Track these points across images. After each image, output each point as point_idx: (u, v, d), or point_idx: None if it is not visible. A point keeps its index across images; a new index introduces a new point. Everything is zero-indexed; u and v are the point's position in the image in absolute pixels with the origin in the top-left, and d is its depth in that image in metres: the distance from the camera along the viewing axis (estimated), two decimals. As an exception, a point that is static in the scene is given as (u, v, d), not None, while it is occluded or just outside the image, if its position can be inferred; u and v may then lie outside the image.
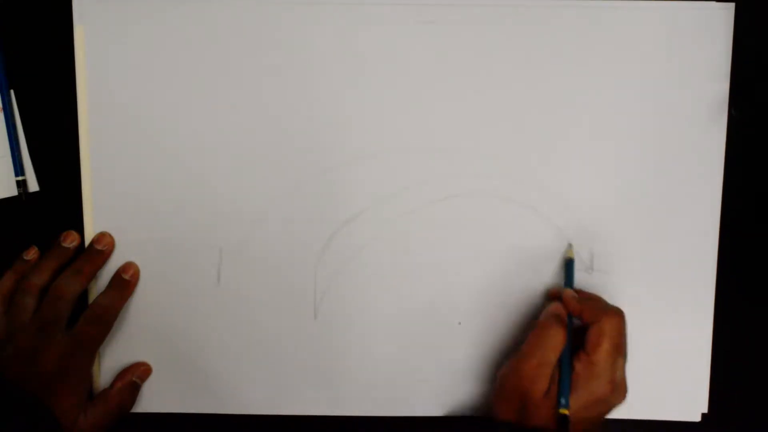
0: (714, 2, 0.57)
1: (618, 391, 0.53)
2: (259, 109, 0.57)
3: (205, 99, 0.57)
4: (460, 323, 0.59)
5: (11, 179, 0.58)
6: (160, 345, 0.59)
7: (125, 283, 0.58)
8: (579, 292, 0.57)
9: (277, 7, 0.57)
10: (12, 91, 0.58)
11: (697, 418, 0.60)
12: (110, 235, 0.58)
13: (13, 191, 0.58)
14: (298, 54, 0.57)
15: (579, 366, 0.52)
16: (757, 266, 0.60)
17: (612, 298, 0.58)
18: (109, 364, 0.59)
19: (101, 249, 0.57)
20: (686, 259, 0.59)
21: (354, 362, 0.59)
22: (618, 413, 0.59)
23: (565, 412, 0.51)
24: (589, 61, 0.57)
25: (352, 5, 0.57)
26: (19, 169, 0.58)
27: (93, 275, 0.57)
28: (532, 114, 0.58)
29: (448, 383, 0.60)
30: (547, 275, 0.59)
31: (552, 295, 0.58)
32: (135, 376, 0.58)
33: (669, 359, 0.60)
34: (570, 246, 0.58)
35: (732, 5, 0.57)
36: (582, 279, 0.59)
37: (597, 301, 0.56)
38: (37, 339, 0.54)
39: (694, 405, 0.60)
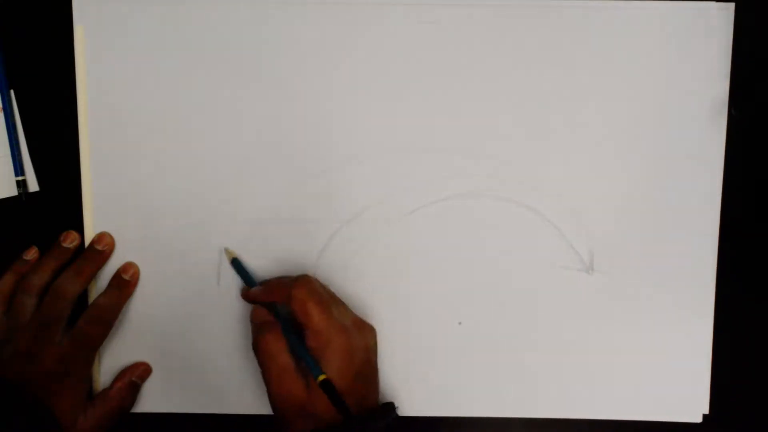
0: (714, 2, 0.57)
1: (356, 332, 0.53)
2: (259, 109, 0.57)
3: (205, 99, 0.57)
4: (460, 323, 0.59)
5: (11, 179, 0.58)
6: (160, 345, 0.59)
7: (125, 283, 0.58)
8: (264, 283, 0.56)
9: (277, 8, 0.57)
10: (12, 91, 0.58)
11: (699, 419, 0.60)
12: (110, 235, 0.58)
13: (13, 191, 0.58)
14: (298, 54, 0.57)
15: (309, 342, 0.51)
16: (757, 266, 0.60)
17: (612, 298, 0.59)
18: (109, 364, 0.59)
19: (101, 249, 0.57)
20: (686, 259, 0.59)
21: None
22: (619, 414, 0.59)
23: (322, 377, 0.50)
24: (589, 61, 0.57)
25: (352, 5, 0.57)
26: (19, 169, 0.58)
27: (93, 275, 0.58)
28: (532, 114, 0.58)
29: (448, 383, 0.59)
30: (548, 275, 0.59)
31: (246, 299, 0.57)
32: (135, 376, 0.58)
33: (670, 360, 0.60)
34: (225, 249, 0.58)
35: (732, 5, 0.57)
36: (582, 279, 0.59)
37: (278, 281, 0.55)
38: (37, 339, 0.54)
39: (695, 406, 0.60)
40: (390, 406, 0.54)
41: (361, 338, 0.53)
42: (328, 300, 0.53)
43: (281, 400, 0.52)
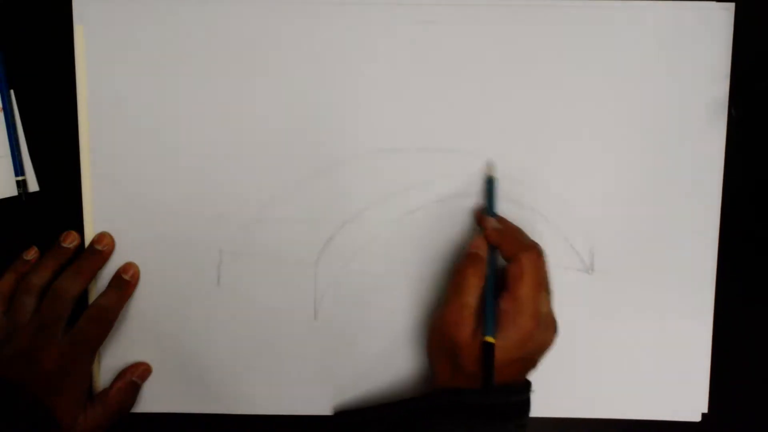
0: (714, 2, 0.57)
1: (544, 326, 0.52)
2: (260, 109, 0.57)
3: (205, 99, 0.57)
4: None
5: (11, 179, 0.58)
6: (160, 345, 0.59)
7: (125, 283, 0.58)
8: (501, 221, 0.56)
9: (276, 7, 0.57)
10: (12, 91, 0.58)
11: (697, 418, 0.60)
12: (110, 235, 0.58)
13: (13, 191, 0.58)
14: (297, 54, 0.57)
15: (503, 303, 0.51)
16: (757, 266, 0.60)
17: (612, 298, 0.59)
18: (109, 364, 0.59)
19: (101, 249, 0.57)
20: (686, 259, 0.59)
21: (354, 362, 0.59)
22: (619, 413, 0.60)
23: (490, 339, 0.50)
24: (589, 61, 0.57)
25: (352, 5, 0.57)
26: (19, 169, 0.58)
27: (93, 275, 0.57)
28: (532, 114, 0.58)
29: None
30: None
31: (478, 219, 0.57)
32: (135, 376, 0.58)
33: (669, 359, 0.60)
34: (490, 163, 0.58)
35: (732, 5, 0.57)
36: (582, 279, 0.59)
37: (516, 234, 0.54)
38: (36, 339, 0.54)
39: (694, 405, 0.60)
40: (528, 385, 0.53)
41: (544, 333, 0.52)
42: (544, 282, 0.52)
43: (446, 329, 0.51)
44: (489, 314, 0.51)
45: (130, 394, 0.58)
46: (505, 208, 0.58)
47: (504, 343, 0.50)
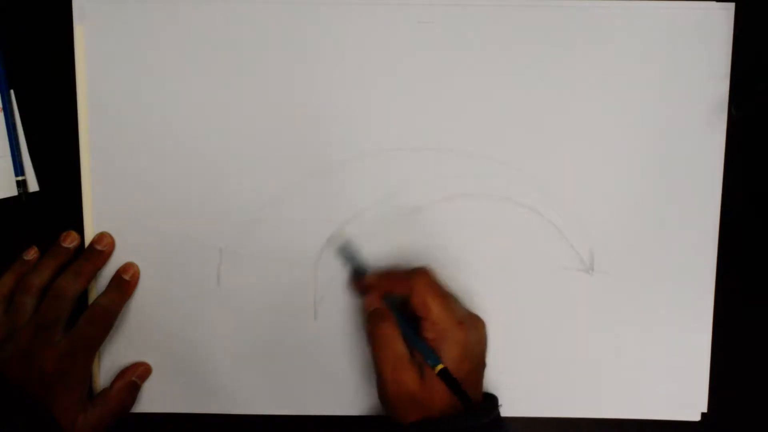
0: (714, 2, 0.57)
1: (472, 326, 0.53)
2: (259, 109, 0.57)
3: (204, 99, 0.57)
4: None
5: (11, 179, 0.58)
6: (160, 345, 0.59)
7: (125, 283, 0.58)
8: (375, 272, 0.57)
9: (276, 8, 0.57)
10: (12, 91, 0.58)
11: (697, 418, 0.60)
12: (110, 235, 0.58)
13: (13, 191, 0.58)
14: (297, 54, 0.57)
15: (426, 333, 0.52)
16: (757, 266, 0.60)
17: (612, 298, 0.59)
18: (109, 364, 0.59)
19: (101, 249, 0.57)
20: (686, 259, 0.59)
21: (354, 362, 0.59)
22: (619, 413, 0.60)
23: (440, 366, 0.51)
24: (589, 61, 0.57)
25: (352, 5, 0.57)
26: (19, 169, 0.58)
27: (93, 275, 0.57)
28: (532, 114, 0.58)
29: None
30: (548, 275, 0.59)
31: (357, 288, 0.58)
32: (135, 376, 0.58)
33: (669, 359, 0.60)
34: (338, 232, 0.58)
35: (732, 5, 0.57)
36: (582, 279, 0.59)
37: (394, 270, 0.56)
38: (36, 339, 0.54)
39: (693, 404, 0.60)
40: (494, 400, 0.55)
41: (475, 332, 0.53)
42: (447, 293, 0.53)
43: (395, 388, 0.52)
44: (423, 349, 0.52)
45: (130, 394, 0.58)
46: (505, 207, 0.58)
47: (452, 363, 0.51)
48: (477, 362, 0.53)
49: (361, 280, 0.57)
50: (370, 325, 0.54)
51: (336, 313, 0.59)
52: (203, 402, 0.59)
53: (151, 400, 0.59)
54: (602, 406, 0.60)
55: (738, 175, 0.59)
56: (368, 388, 0.60)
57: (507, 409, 0.59)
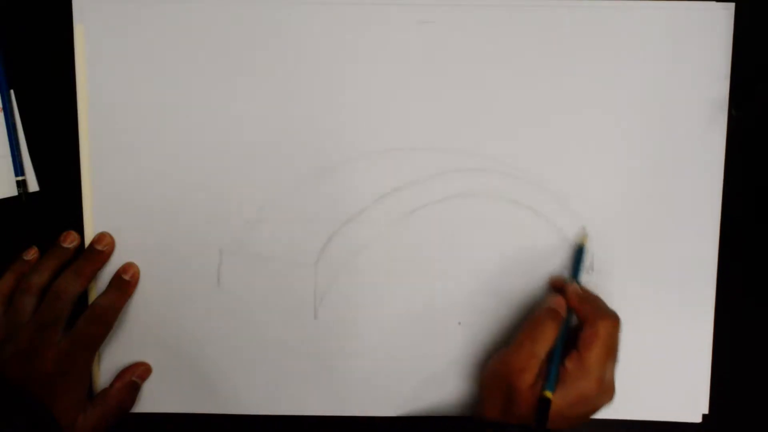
0: (714, 2, 0.57)
1: (605, 392, 0.53)
2: (259, 109, 0.57)
3: (204, 99, 0.57)
4: (460, 323, 0.59)
5: (11, 179, 0.58)
6: (160, 345, 0.59)
7: (125, 283, 0.57)
8: (582, 289, 0.57)
9: (276, 8, 0.57)
10: (12, 91, 0.58)
11: (698, 419, 0.60)
12: (110, 236, 0.58)
13: (13, 191, 0.58)
14: (297, 54, 0.57)
15: (569, 363, 0.52)
16: (757, 266, 0.60)
17: (612, 298, 0.58)
18: (109, 364, 0.59)
19: (101, 249, 0.57)
20: (686, 259, 0.59)
21: (354, 362, 0.59)
22: (619, 414, 0.59)
23: (549, 394, 0.51)
24: (589, 61, 0.57)
25: (352, 5, 0.57)
26: (19, 169, 0.58)
27: (93, 275, 0.57)
28: (532, 114, 0.58)
29: (448, 383, 0.59)
30: (548, 275, 0.59)
31: (555, 285, 0.58)
32: (135, 376, 0.58)
33: (670, 360, 0.60)
34: (584, 230, 0.59)
35: (732, 5, 0.57)
36: (582, 279, 0.59)
37: (597, 301, 0.56)
38: (36, 339, 0.54)
39: (694, 406, 0.60)
40: None
41: (601, 398, 0.53)
42: (614, 351, 0.53)
43: (508, 371, 0.53)
44: (554, 370, 0.52)
45: (130, 394, 0.58)
46: (505, 207, 0.58)
47: (561, 401, 0.51)
48: (580, 418, 0.53)
49: (565, 283, 0.57)
50: (541, 315, 0.54)
51: (336, 313, 0.59)
52: (203, 402, 0.59)
53: (151, 400, 0.59)
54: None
55: (738, 175, 0.59)
56: (367, 389, 0.60)
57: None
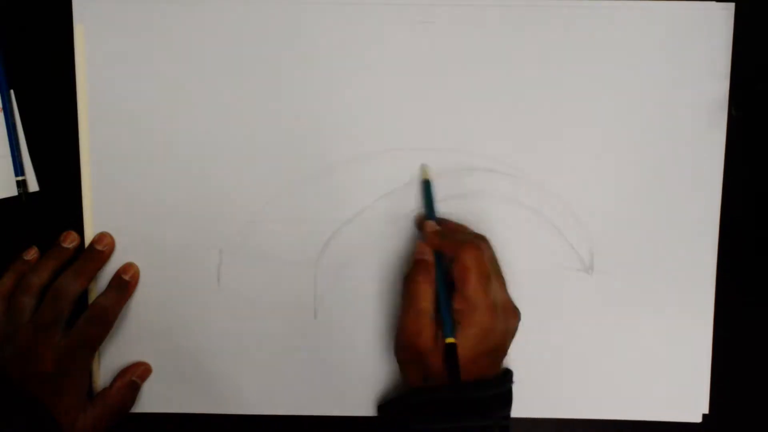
0: (714, 2, 0.57)
1: (503, 314, 0.52)
2: (259, 109, 0.57)
3: (204, 99, 0.57)
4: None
5: (11, 179, 0.58)
6: (160, 345, 0.59)
7: (125, 283, 0.58)
8: (441, 222, 0.56)
9: (276, 7, 0.57)
10: (12, 91, 0.58)
11: (698, 419, 0.60)
12: (110, 236, 0.58)
13: (13, 191, 0.58)
14: (297, 54, 0.57)
15: (456, 303, 0.51)
16: (757, 266, 0.60)
17: (612, 298, 0.59)
18: (109, 363, 0.59)
19: (101, 249, 0.57)
20: (686, 259, 0.59)
21: (354, 362, 0.59)
22: (619, 414, 0.59)
23: (450, 340, 0.50)
24: (589, 61, 0.57)
25: (352, 5, 0.57)
26: (19, 169, 0.58)
27: (93, 275, 0.57)
28: (532, 114, 0.58)
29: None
30: (547, 274, 0.59)
31: (418, 225, 0.57)
32: (135, 375, 0.58)
33: (670, 360, 0.60)
34: (425, 166, 0.58)
35: (732, 5, 0.57)
36: (582, 279, 0.59)
37: (456, 233, 0.55)
38: (36, 339, 0.54)
39: (695, 405, 0.60)
40: (507, 376, 0.54)
41: (503, 321, 0.52)
42: (489, 273, 0.52)
43: (407, 337, 0.52)
44: (446, 316, 0.52)
45: (130, 394, 0.58)
46: (506, 208, 0.58)
47: (465, 341, 0.51)
48: (495, 348, 0.52)
49: (424, 223, 0.56)
50: (412, 271, 0.54)
51: (336, 312, 0.59)
52: (203, 402, 0.59)
53: (151, 400, 0.59)
54: (602, 407, 0.60)
55: (738, 175, 0.59)
56: (368, 389, 0.60)
57: (507, 410, 0.60)
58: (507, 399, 0.53)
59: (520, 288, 0.59)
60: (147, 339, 0.59)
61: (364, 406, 0.60)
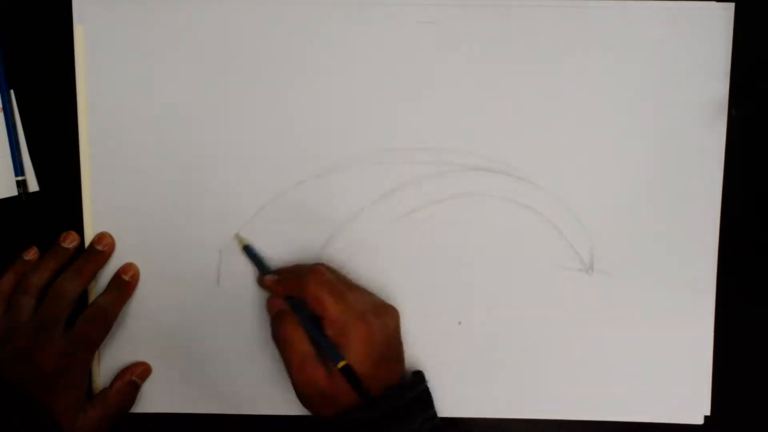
0: (714, 2, 0.57)
1: (375, 317, 0.53)
2: (259, 109, 0.58)
3: (204, 99, 0.57)
4: (460, 323, 0.59)
5: (11, 179, 0.58)
6: (160, 345, 0.59)
7: (125, 284, 0.58)
8: (279, 271, 0.57)
9: (276, 8, 0.57)
10: (12, 91, 0.58)
11: (700, 421, 0.60)
12: (110, 236, 0.58)
13: (13, 191, 0.58)
14: (297, 54, 0.57)
15: (327, 330, 0.52)
16: (757, 266, 0.60)
17: (612, 299, 0.59)
18: (109, 363, 0.59)
19: (101, 249, 0.57)
20: (686, 259, 0.59)
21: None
22: (620, 416, 0.59)
23: (342, 363, 0.51)
24: (589, 61, 0.58)
25: (352, 5, 0.57)
26: (19, 169, 0.58)
27: (93, 275, 0.58)
28: (532, 114, 0.58)
29: (447, 383, 0.59)
30: (548, 275, 0.59)
31: (264, 288, 0.57)
32: (135, 375, 0.58)
33: (671, 361, 0.59)
34: (236, 234, 0.58)
35: (732, 5, 0.57)
36: (582, 279, 0.59)
37: (292, 272, 0.56)
38: (35, 339, 0.54)
39: (696, 407, 0.60)
40: (418, 377, 0.55)
41: (379, 321, 0.53)
42: (342, 288, 0.53)
43: (304, 387, 0.52)
44: (326, 346, 0.52)
45: (130, 394, 0.58)
46: (505, 207, 0.58)
47: (355, 356, 0.51)
48: (385, 352, 0.53)
49: (263, 280, 0.56)
50: (274, 327, 0.54)
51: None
52: (203, 402, 0.59)
53: (151, 400, 0.59)
54: (603, 409, 0.60)
55: (738, 175, 0.58)
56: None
57: (506, 410, 0.59)
58: (426, 399, 0.54)
59: (520, 288, 0.59)
60: (147, 339, 0.59)
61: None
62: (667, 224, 0.58)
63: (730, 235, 0.59)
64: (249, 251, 0.58)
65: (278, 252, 0.58)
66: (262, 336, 0.59)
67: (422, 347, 0.59)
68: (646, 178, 0.58)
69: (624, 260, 0.59)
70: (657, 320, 0.59)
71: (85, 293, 0.57)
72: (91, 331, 0.56)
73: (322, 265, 0.55)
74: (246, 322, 0.59)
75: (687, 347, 0.60)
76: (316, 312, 0.52)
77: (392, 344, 0.54)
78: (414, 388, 0.54)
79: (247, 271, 0.58)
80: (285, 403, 0.59)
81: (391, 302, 0.57)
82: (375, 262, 0.58)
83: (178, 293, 0.59)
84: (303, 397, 0.53)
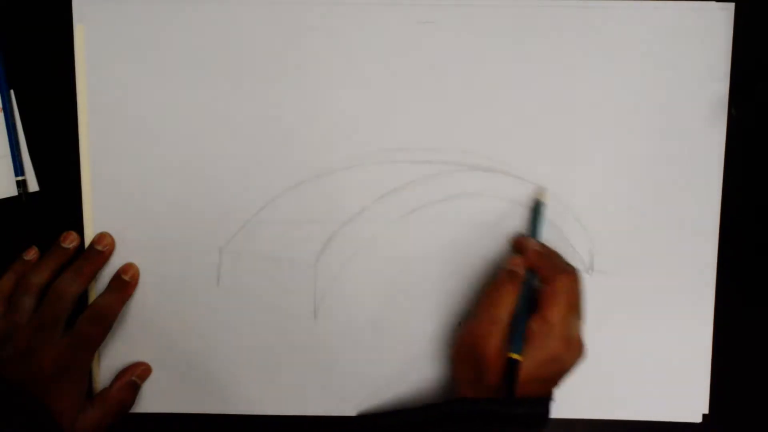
0: (714, 2, 0.57)
1: (573, 349, 0.52)
2: (259, 109, 0.57)
3: (205, 99, 0.57)
4: (460, 323, 0.59)
5: (11, 179, 0.58)
6: (160, 345, 0.59)
7: (125, 284, 0.58)
8: (541, 246, 0.56)
9: (276, 7, 0.57)
10: (12, 91, 0.58)
11: (698, 419, 0.60)
12: (110, 236, 0.58)
13: (13, 191, 0.58)
14: (297, 54, 0.57)
15: (533, 324, 0.51)
16: (757, 266, 0.60)
17: (612, 298, 0.59)
18: (109, 363, 0.59)
19: (101, 249, 0.57)
20: (686, 259, 0.59)
21: (353, 362, 0.59)
22: (619, 414, 0.59)
23: (515, 356, 0.50)
24: (589, 61, 0.57)
25: (352, 5, 0.57)
26: (19, 169, 0.58)
27: (93, 275, 0.57)
28: (532, 114, 0.58)
29: (448, 383, 0.59)
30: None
31: (515, 245, 0.57)
32: (135, 375, 0.58)
33: (669, 360, 0.60)
34: (541, 189, 0.58)
35: (732, 5, 0.57)
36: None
37: (555, 257, 0.55)
38: (35, 339, 0.54)
39: (694, 406, 0.60)
40: (546, 400, 0.53)
41: (570, 356, 0.52)
42: (575, 305, 0.53)
43: (473, 341, 0.52)
44: (518, 332, 0.51)
45: (130, 394, 0.58)
46: (505, 207, 0.58)
47: (530, 362, 0.51)
48: (552, 377, 0.53)
49: (527, 240, 0.56)
50: (499, 279, 0.54)
51: (336, 313, 0.59)
52: (203, 402, 0.59)
53: (151, 400, 0.59)
54: (602, 407, 0.60)
55: (738, 175, 0.59)
56: (368, 389, 0.60)
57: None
58: (543, 421, 0.53)
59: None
60: (147, 339, 0.59)
61: (364, 407, 0.60)
62: (667, 224, 0.59)
63: (730, 235, 0.59)
64: (538, 209, 0.57)
65: (278, 252, 0.58)
66: (262, 336, 0.59)
67: (422, 347, 0.59)
68: (646, 178, 0.58)
69: (624, 260, 0.59)
70: (656, 320, 0.59)
71: (85, 293, 0.57)
72: (91, 331, 0.56)
73: (579, 273, 0.53)
74: (246, 322, 0.59)
75: (686, 346, 0.60)
76: (541, 302, 0.52)
77: (560, 376, 0.53)
78: (540, 406, 0.52)
79: (247, 271, 0.58)
80: (285, 403, 0.59)
81: (392, 302, 0.58)
82: (375, 262, 0.59)
83: (178, 293, 0.59)
84: (462, 344, 0.53)
